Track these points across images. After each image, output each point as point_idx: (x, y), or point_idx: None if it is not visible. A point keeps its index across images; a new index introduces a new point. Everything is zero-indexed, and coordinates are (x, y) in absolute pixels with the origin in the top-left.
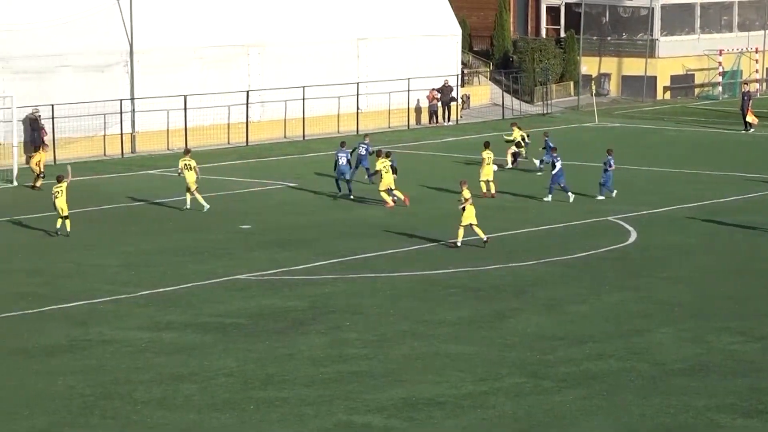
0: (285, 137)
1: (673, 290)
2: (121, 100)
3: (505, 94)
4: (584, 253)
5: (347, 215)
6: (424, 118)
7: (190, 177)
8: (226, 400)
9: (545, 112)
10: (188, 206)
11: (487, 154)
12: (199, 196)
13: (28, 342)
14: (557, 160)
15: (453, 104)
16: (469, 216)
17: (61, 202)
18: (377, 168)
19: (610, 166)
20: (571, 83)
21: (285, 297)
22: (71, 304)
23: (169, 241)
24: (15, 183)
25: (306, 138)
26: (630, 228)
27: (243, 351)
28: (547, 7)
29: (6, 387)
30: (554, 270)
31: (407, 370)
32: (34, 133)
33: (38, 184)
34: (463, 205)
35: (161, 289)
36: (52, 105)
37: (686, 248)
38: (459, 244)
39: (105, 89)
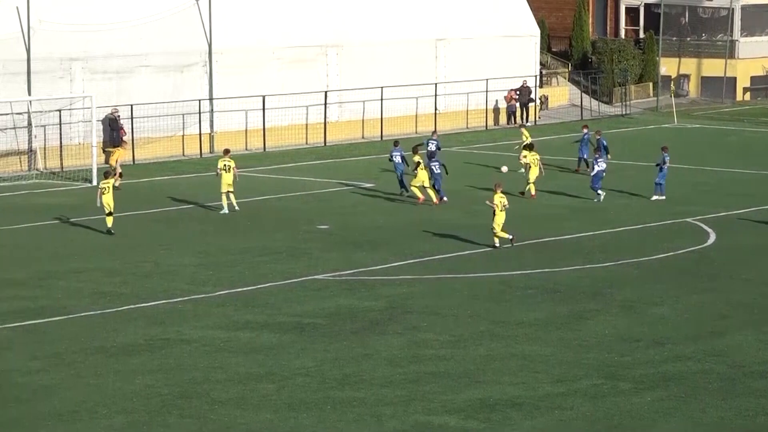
0: (363, 137)
1: (753, 292)
2: (199, 100)
3: (583, 95)
4: (662, 255)
5: (425, 216)
6: (502, 119)
7: (227, 178)
8: (303, 400)
9: (624, 113)
10: (226, 210)
11: (533, 156)
12: (233, 197)
13: (108, 341)
14: (597, 162)
15: (531, 105)
16: (498, 221)
17: (108, 198)
18: (415, 162)
19: (665, 164)
20: (650, 84)
21: (362, 297)
22: (150, 304)
23: (247, 240)
24: (94, 182)
25: (384, 138)
26: (709, 229)
27: (320, 351)
28: (626, 8)
29: (85, 386)
30: (632, 271)
31: (484, 371)
32: (113, 132)
33: (117, 183)
34: (492, 209)
35: (239, 289)
36: (131, 105)
37: (766, 250)
38: (497, 245)
39: (184, 89)
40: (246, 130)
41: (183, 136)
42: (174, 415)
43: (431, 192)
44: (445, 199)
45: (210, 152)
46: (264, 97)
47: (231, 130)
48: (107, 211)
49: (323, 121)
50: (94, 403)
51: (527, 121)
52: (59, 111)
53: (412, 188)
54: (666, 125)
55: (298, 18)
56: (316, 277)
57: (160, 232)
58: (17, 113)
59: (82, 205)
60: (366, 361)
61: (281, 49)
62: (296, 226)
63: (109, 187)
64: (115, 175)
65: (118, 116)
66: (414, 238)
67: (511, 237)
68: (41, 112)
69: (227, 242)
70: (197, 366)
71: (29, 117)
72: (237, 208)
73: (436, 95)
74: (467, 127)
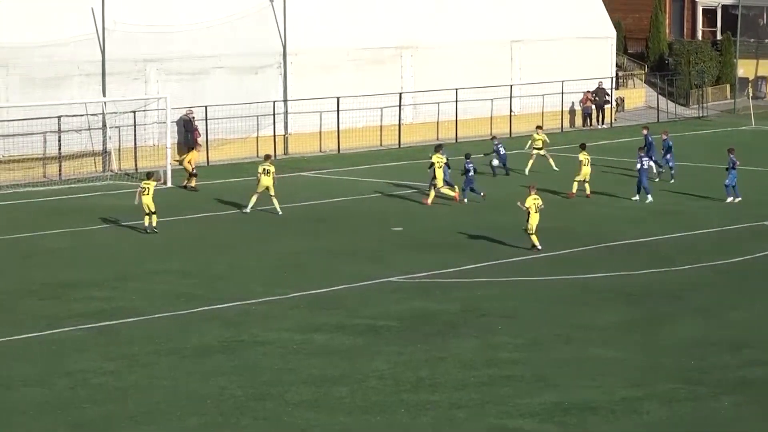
0: (437, 139)
1: None
2: (274, 102)
3: (660, 96)
4: (739, 258)
5: (500, 218)
6: (578, 121)
7: (266, 181)
8: (377, 403)
9: (701, 115)
10: (248, 210)
11: (584, 156)
12: (276, 202)
13: (182, 343)
14: (643, 160)
15: (607, 107)
16: (533, 223)
17: (148, 200)
18: (433, 162)
19: (734, 166)
20: (728, 86)
21: (437, 300)
22: (224, 305)
23: (321, 242)
24: (169, 184)
25: (459, 140)
26: None
27: (394, 354)
28: (703, 9)
29: (159, 387)
30: (708, 275)
31: (559, 374)
32: (187, 134)
33: (192, 183)
34: (527, 210)
35: (314, 291)
36: (206, 107)
37: None
38: (539, 246)
39: (258, 91)
40: (320, 132)
41: (257, 137)
42: (248, 417)
43: (445, 190)
44: (465, 200)
45: (284, 154)
46: (338, 98)
47: (305, 131)
48: (147, 211)
49: (398, 123)
50: (168, 404)
51: (602, 124)
52: (134, 112)
53: (441, 189)
54: (743, 127)
55: (373, 19)
56: (390, 279)
57: (234, 233)
58: (92, 114)
59: (157, 205)
60: (440, 364)
61: (356, 51)
62: (370, 228)
63: (150, 188)
64: (197, 176)
65: (193, 117)
66: (490, 240)
67: (539, 247)
68: (116, 113)
69: (301, 244)
70: (271, 368)
71: (104, 118)
72: (280, 212)
73: (511, 97)
74: (543, 130)
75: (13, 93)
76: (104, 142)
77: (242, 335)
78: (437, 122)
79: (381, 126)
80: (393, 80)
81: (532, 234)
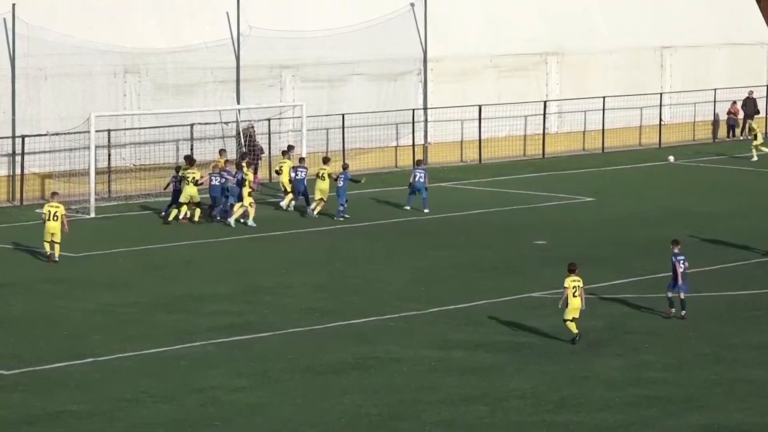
0: (583, 149)
1: None
2: (413, 110)
3: None
4: None
5: (649, 232)
6: (722, 131)
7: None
8: (518, 423)
9: None
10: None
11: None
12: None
13: (315, 359)
14: None
15: (756, 117)
16: (572, 310)
17: (193, 190)
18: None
19: None
20: None
21: (581, 316)
22: (359, 321)
23: (460, 256)
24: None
25: (605, 151)
26: None
27: (536, 372)
28: None
29: (292, 405)
30: None
31: (709, 395)
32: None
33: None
34: (564, 297)
35: (452, 306)
36: (343, 114)
37: None
38: (577, 332)
39: (396, 98)
40: (461, 141)
41: (396, 147)
42: None
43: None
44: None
45: (424, 164)
46: (480, 106)
47: (445, 140)
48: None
49: (542, 132)
50: (300, 423)
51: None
52: (268, 120)
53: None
54: None
55: (516, 24)
56: (532, 294)
57: (369, 246)
58: (225, 122)
59: (290, 218)
60: (584, 383)
61: (499, 57)
62: (512, 241)
63: (194, 176)
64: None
65: (254, 131)
66: (635, 255)
67: (577, 332)
68: (250, 121)
69: (439, 257)
70: (408, 386)
71: (237, 126)
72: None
73: (661, 105)
74: (693, 140)
75: (144, 100)
76: (238, 151)
77: (378, 352)
78: (583, 132)
79: (524, 135)
80: (537, 88)
81: (568, 321)
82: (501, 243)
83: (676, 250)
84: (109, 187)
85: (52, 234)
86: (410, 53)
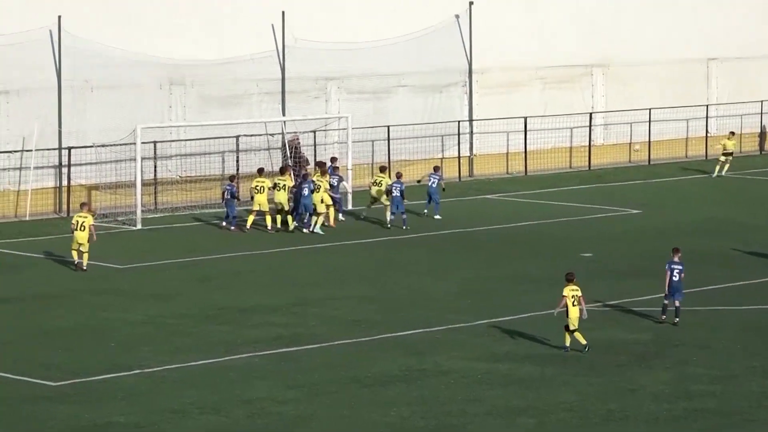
0: (629, 161)
1: None
2: (458, 122)
3: None
4: None
5: (695, 244)
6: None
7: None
8: None
9: None
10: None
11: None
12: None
13: (362, 371)
14: None
15: None
16: (572, 319)
17: (262, 198)
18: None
19: None
20: None
21: (628, 329)
22: (407, 332)
23: (508, 268)
24: (349, 206)
25: (652, 162)
26: None
27: (583, 384)
28: None
29: (340, 417)
30: None
31: (758, 409)
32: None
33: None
34: (561, 305)
35: (499, 318)
36: (388, 126)
37: None
38: (585, 343)
39: (442, 110)
40: (507, 153)
41: (441, 158)
42: None
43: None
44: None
45: (469, 176)
46: (526, 118)
47: (491, 152)
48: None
49: (587, 144)
50: None
51: None
52: (314, 132)
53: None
54: None
55: (562, 36)
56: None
57: (417, 258)
58: (271, 134)
59: (337, 229)
60: (631, 396)
61: (544, 69)
62: (558, 253)
63: (265, 187)
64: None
65: (299, 142)
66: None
67: (585, 344)
68: (295, 132)
69: (486, 270)
70: (454, 398)
71: (283, 137)
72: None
73: (707, 117)
74: (740, 152)
75: (190, 112)
76: (283, 162)
77: (425, 364)
78: (629, 143)
79: (570, 147)
80: (583, 99)
81: (575, 330)
82: (547, 255)
83: (675, 259)
84: (155, 198)
85: (80, 243)
86: (455, 65)
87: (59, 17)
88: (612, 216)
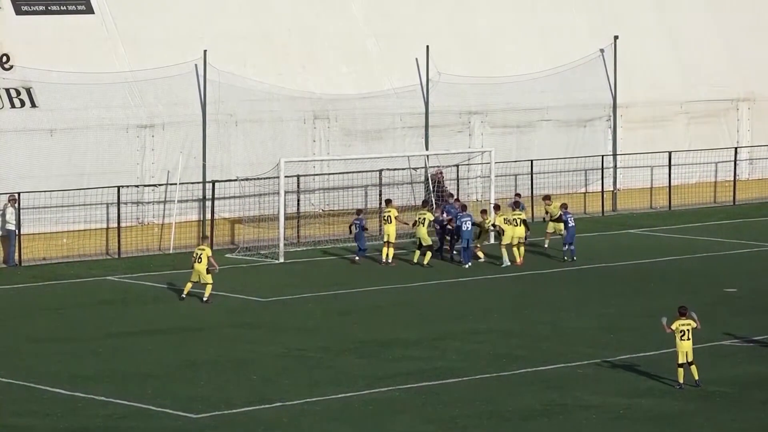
0: None
1: None
2: (602, 156)
3: None
4: None
5: None
6: None
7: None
8: None
9: None
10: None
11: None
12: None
13: (503, 405)
14: None
15: None
16: (680, 353)
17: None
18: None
19: None
20: None
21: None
22: (548, 367)
23: (650, 303)
24: (491, 240)
25: None
26: None
27: (727, 421)
28: None
29: None
30: None
31: None
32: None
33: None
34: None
35: (642, 354)
36: (531, 161)
37: None
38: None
39: (585, 144)
40: (651, 188)
41: (585, 193)
42: None
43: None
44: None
45: (612, 210)
46: (670, 153)
47: (635, 187)
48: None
49: (733, 178)
50: None
51: None
52: (457, 166)
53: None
54: None
55: (707, 70)
56: (723, 342)
57: (558, 292)
58: (414, 168)
59: (477, 264)
60: None
61: (689, 103)
62: (702, 288)
63: (392, 216)
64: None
65: (442, 176)
66: None
67: (695, 378)
68: (438, 166)
69: (629, 304)
70: None
71: (426, 172)
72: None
73: None
74: None
75: (333, 146)
76: (427, 196)
77: (566, 399)
78: None
79: (715, 182)
80: (729, 134)
81: (691, 364)
82: (691, 290)
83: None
84: (297, 232)
85: (199, 274)
86: (600, 99)
87: (204, 51)
88: (757, 251)
